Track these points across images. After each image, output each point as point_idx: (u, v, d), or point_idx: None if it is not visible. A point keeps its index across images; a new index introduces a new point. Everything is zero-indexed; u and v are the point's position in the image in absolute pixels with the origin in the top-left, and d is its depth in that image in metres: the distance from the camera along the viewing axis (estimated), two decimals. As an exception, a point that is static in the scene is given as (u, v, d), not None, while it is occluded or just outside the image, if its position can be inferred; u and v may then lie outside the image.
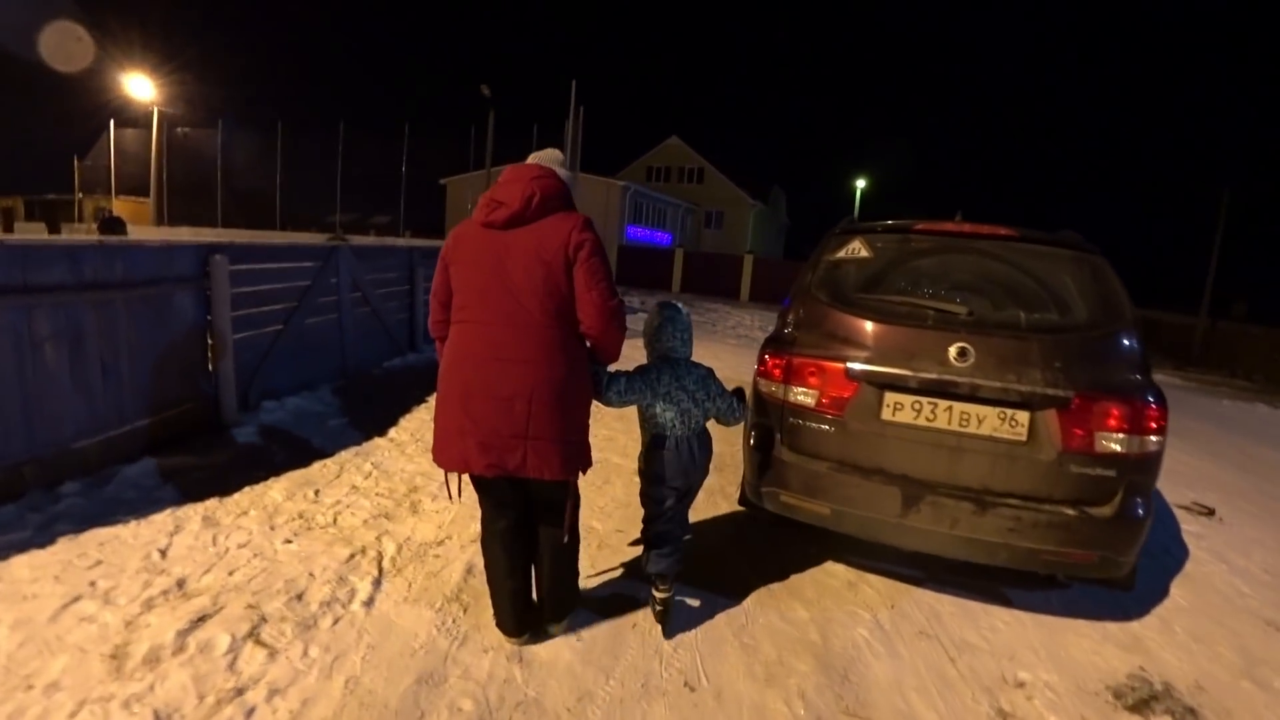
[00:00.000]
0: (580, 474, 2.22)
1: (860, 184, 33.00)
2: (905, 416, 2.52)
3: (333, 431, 4.48)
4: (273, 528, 3.09)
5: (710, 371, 2.56)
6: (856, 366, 2.54)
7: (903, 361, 2.49)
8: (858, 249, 2.80)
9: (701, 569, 2.94)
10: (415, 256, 7.23)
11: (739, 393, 2.62)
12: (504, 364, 2.05)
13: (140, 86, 25.47)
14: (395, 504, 3.47)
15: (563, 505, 2.24)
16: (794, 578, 2.99)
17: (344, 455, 4.07)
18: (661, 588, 2.52)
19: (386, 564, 2.87)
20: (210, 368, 4.27)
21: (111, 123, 29.90)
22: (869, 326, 2.59)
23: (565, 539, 2.29)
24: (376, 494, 3.57)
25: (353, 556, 2.89)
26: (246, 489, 3.47)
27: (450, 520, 3.33)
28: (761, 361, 2.81)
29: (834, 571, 3.08)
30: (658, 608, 2.53)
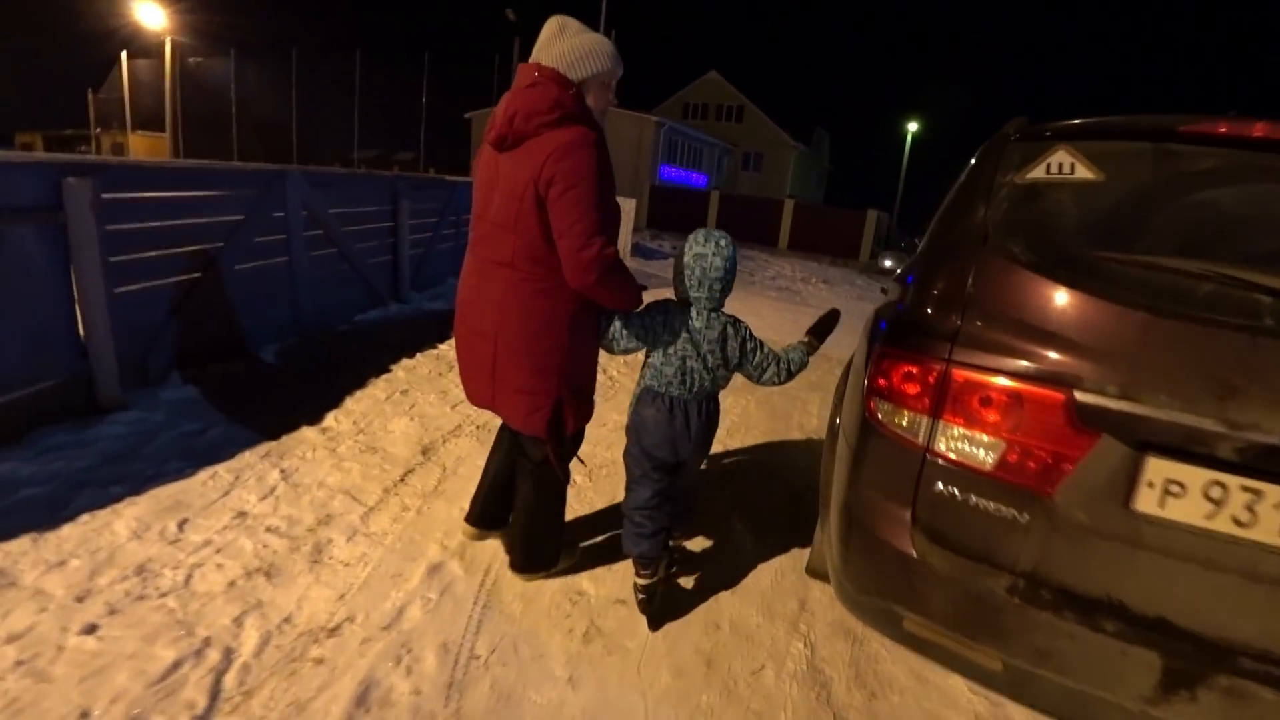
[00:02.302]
0: (553, 436, 1.98)
1: (912, 127, 30.58)
2: (1188, 511, 1.21)
3: (247, 417, 3.35)
4: (82, 598, 1.97)
5: (736, 327, 2.07)
6: (1095, 400, 1.25)
7: (1200, 399, 1.20)
8: (1071, 166, 1.46)
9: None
10: (400, 187, 5.97)
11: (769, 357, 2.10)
12: (480, 299, 1.94)
13: (150, 14, 24.48)
14: (290, 547, 2.33)
15: (534, 456, 2.10)
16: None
17: (249, 456, 2.93)
18: (643, 572, 2.16)
19: (229, 681, 1.74)
20: (81, 334, 3.13)
21: (124, 54, 28.69)
22: (1130, 320, 1.27)
23: (534, 496, 2.16)
24: (268, 528, 2.43)
25: (178, 665, 1.76)
26: (82, 519, 2.36)
27: (363, 581, 2.19)
28: (876, 365, 1.51)
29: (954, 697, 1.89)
30: (639, 595, 2.18)
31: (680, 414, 2.07)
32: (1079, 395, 1.26)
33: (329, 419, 3.39)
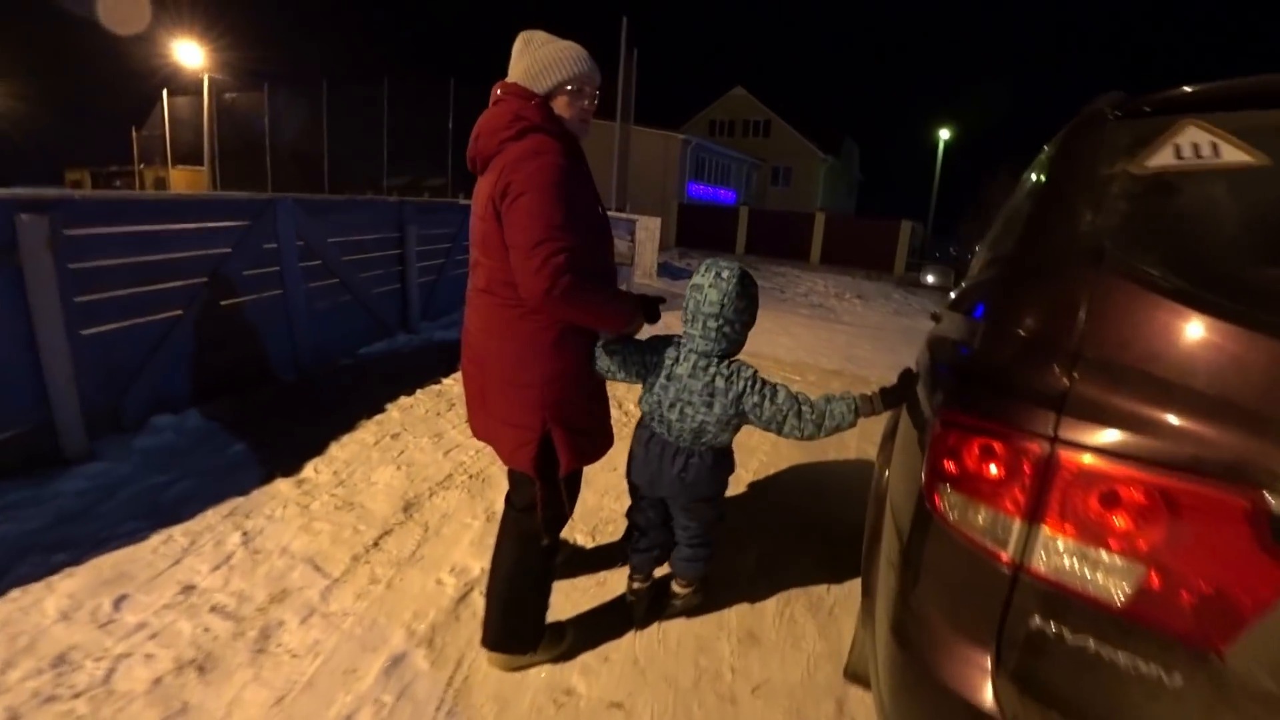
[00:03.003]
0: (541, 474, 1.76)
1: (944, 135, 29.81)
2: None
3: (222, 466, 3.05)
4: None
5: (733, 380, 1.78)
6: None
7: None
8: (1212, 147, 1.02)
9: None
10: (407, 212, 5.71)
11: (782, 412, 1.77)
12: (472, 328, 1.85)
13: (190, 53, 25.43)
14: (233, 632, 1.99)
15: (519, 501, 1.87)
16: None
17: (211, 515, 2.62)
18: (635, 576, 2.15)
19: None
20: (44, 378, 2.88)
21: (165, 92, 29.62)
22: None
23: (515, 554, 1.89)
24: (214, 607, 2.10)
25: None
26: (13, 595, 2.10)
27: (309, 679, 1.84)
28: (940, 438, 1.07)
29: None
30: (629, 597, 2.17)
31: (657, 452, 1.90)
32: (1273, 500, 0.81)
33: (308, 468, 3.07)
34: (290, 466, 3.06)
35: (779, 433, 1.78)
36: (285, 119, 28.14)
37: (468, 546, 2.53)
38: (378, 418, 3.71)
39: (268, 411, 3.77)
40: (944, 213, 33.82)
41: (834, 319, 10.12)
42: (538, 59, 1.70)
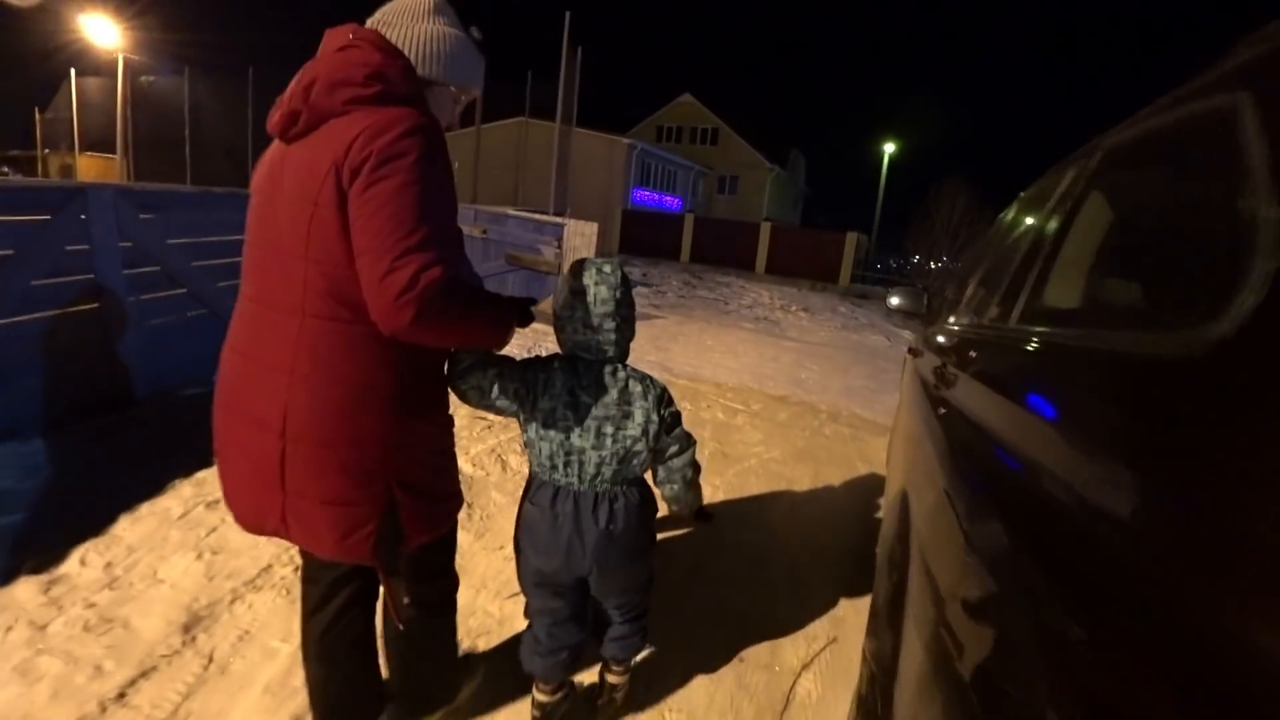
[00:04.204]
0: (384, 560, 1.35)
1: (889, 148, 30.08)
2: None
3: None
4: None
5: (649, 384, 1.54)
6: None
7: None
8: None
9: None
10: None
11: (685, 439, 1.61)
12: (255, 367, 1.28)
13: (102, 30, 23.68)
14: None
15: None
16: None
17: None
18: (541, 687, 1.69)
19: None
20: None
21: (72, 71, 27.36)
22: None
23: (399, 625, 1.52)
24: None
25: None
26: None
27: None
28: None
29: None
30: (536, 714, 1.70)
31: (569, 511, 1.52)
32: None
33: (73, 559, 2.23)
34: (49, 555, 2.22)
35: (664, 463, 1.61)
36: (209, 108, 26.23)
37: (260, 697, 1.76)
38: (200, 475, 2.87)
39: (55, 466, 2.89)
40: (891, 225, 34.29)
41: (780, 334, 9.61)
42: (442, 37, 1.38)
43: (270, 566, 2.30)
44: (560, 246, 6.53)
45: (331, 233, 1.19)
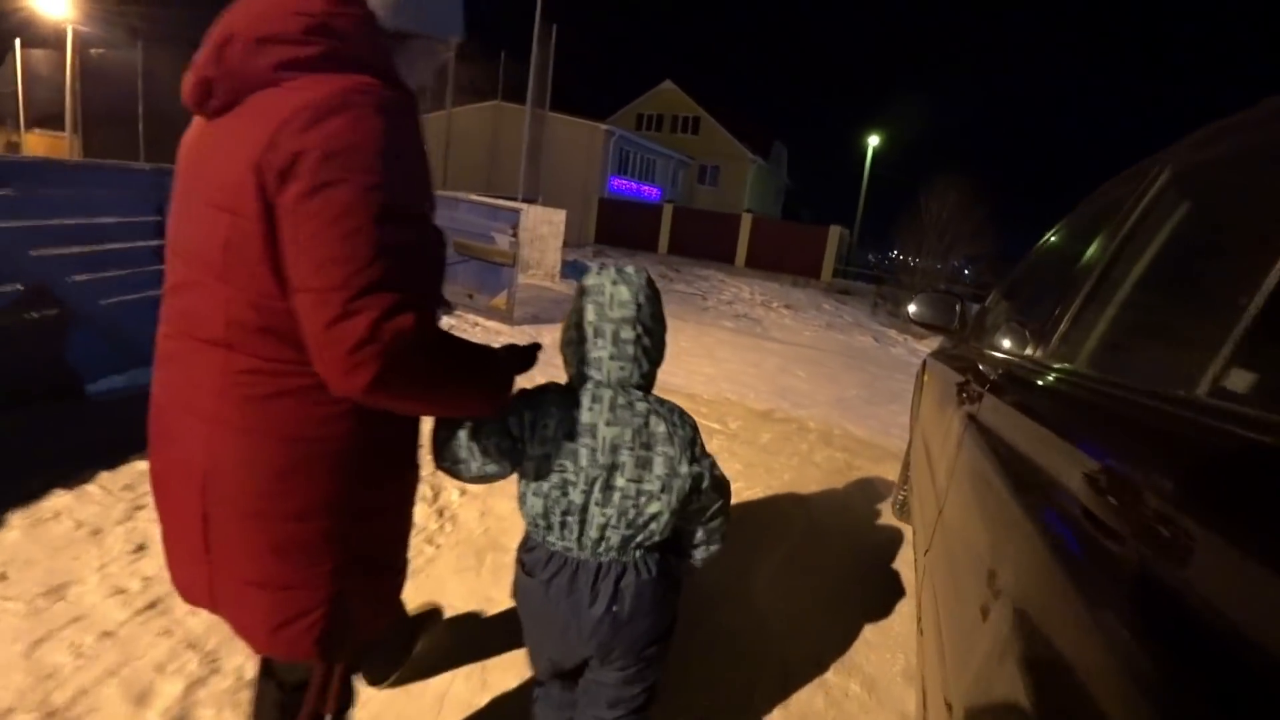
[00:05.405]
0: (327, 656, 1.10)
1: (873, 141, 29.62)
2: None
3: None
4: None
5: (677, 420, 1.21)
6: None
7: None
8: None
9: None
10: (167, 187, 4.07)
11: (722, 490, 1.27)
12: (175, 412, 1.05)
13: (50, 0, 22.67)
14: None
15: (289, 678, 1.22)
16: None
17: None
18: None
19: None
20: None
21: (18, 42, 25.96)
22: None
23: None
24: None
25: None
26: None
27: None
28: None
29: None
30: None
31: (564, 586, 1.19)
32: None
33: None
34: None
35: (705, 529, 1.30)
36: (164, 81, 24.92)
37: None
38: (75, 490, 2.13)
39: None
40: (873, 221, 33.95)
41: (762, 334, 8.99)
42: None
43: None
44: (516, 234, 5.78)
45: (256, 251, 0.91)
